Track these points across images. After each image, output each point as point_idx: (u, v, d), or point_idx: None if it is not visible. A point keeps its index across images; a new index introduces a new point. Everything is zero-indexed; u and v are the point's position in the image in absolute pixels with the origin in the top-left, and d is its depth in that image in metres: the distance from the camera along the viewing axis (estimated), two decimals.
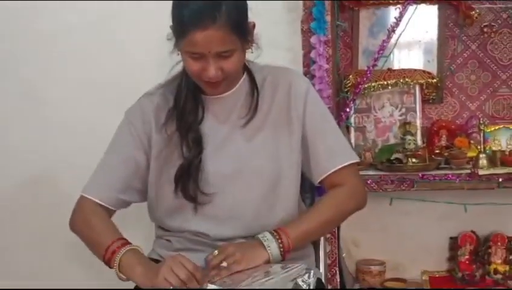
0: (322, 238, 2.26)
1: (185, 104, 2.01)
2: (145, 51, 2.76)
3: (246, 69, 2.02)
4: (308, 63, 2.54)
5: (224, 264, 1.82)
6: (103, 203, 2.03)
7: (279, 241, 1.91)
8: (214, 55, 1.84)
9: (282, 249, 1.91)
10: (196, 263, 1.87)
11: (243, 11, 1.89)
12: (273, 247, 1.90)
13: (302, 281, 1.82)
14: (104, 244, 1.93)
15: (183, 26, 1.83)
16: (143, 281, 1.85)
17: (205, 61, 1.85)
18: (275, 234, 1.92)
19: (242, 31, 1.87)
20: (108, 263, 1.93)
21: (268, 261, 1.88)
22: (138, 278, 1.88)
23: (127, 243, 1.93)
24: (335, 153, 2.04)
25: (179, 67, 2.02)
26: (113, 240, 1.92)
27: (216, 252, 1.86)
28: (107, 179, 2.04)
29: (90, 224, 2.01)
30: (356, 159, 2.07)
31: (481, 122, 2.65)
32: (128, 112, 2.07)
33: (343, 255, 2.77)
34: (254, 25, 1.92)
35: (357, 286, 2.82)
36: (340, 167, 2.01)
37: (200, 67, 1.87)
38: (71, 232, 2.17)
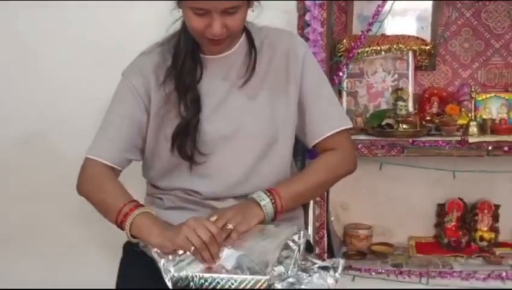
0: (311, 201, 2.31)
1: (183, 64, 2.01)
2: (144, 8, 2.73)
3: (245, 29, 2.03)
4: (302, 25, 2.55)
5: (230, 226, 1.84)
6: (111, 164, 2.03)
7: (273, 201, 1.95)
8: (220, 12, 1.85)
9: (275, 209, 1.94)
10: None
11: None
12: (268, 207, 1.93)
13: (293, 241, 1.86)
14: (116, 207, 1.93)
15: None
16: (161, 242, 1.85)
17: (210, 18, 1.86)
18: (268, 194, 1.95)
19: None
20: (120, 225, 1.93)
21: (262, 221, 1.92)
22: (156, 239, 1.87)
23: (140, 205, 1.94)
24: (330, 118, 2.07)
25: (176, 26, 2.03)
26: (125, 202, 1.92)
27: (214, 217, 1.87)
28: (112, 140, 2.04)
29: (101, 186, 2.01)
30: (350, 125, 2.10)
31: (473, 90, 2.67)
32: (126, 71, 2.09)
33: (332, 218, 2.80)
34: None
35: (344, 249, 2.85)
36: (334, 131, 2.05)
37: (204, 24, 1.88)
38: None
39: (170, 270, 1.81)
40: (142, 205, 1.93)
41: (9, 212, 2.96)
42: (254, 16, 1.98)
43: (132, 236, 1.91)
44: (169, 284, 1.79)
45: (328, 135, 2.04)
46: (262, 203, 1.93)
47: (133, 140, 2.04)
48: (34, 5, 2.86)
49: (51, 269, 2.98)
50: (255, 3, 1.96)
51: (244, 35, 2.04)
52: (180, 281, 1.80)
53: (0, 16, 2.88)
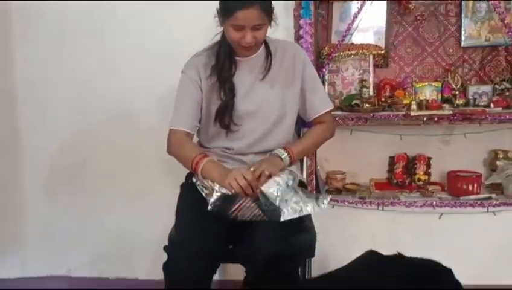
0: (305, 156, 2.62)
1: (223, 63, 2.25)
2: (193, 27, 2.93)
3: (264, 41, 2.25)
4: (298, 38, 2.85)
5: (267, 172, 2.14)
6: (188, 130, 2.29)
7: (289, 155, 2.27)
8: (251, 28, 2.10)
9: (290, 160, 2.28)
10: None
11: None
12: (286, 159, 2.26)
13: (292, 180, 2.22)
14: (190, 158, 2.19)
15: (229, 7, 2.08)
16: (219, 180, 2.10)
17: (244, 32, 2.11)
18: (285, 150, 2.28)
19: (269, 10, 2.14)
20: (195, 170, 2.19)
21: (283, 168, 2.24)
22: (217, 178, 2.12)
23: (206, 155, 2.19)
24: (323, 101, 2.37)
25: (217, 37, 2.30)
26: (196, 154, 2.19)
27: (252, 169, 2.14)
28: (186, 114, 2.28)
29: (182, 147, 2.25)
30: (332, 106, 2.41)
31: (413, 80, 3.06)
32: (185, 68, 2.31)
33: (318, 167, 3.12)
34: (273, 9, 2.17)
35: (326, 188, 3.13)
36: (324, 111, 2.38)
37: (240, 36, 2.12)
38: None
39: (209, 199, 2.12)
40: (208, 156, 2.20)
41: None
42: (274, 30, 2.25)
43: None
44: (209, 207, 2.10)
45: (322, 112, 2.37)
46: (282, 156, 2.24)
47: (197, 113, 2.29)
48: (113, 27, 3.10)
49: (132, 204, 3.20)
50: (273, 22, 2.21)
51: (263, 44, 2.28)
52: (216, 203, 2.09)
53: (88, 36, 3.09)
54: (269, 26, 2.18)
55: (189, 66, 2.28)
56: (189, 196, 2.25)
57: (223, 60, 2.22)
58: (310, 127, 2.42)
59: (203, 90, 2.27)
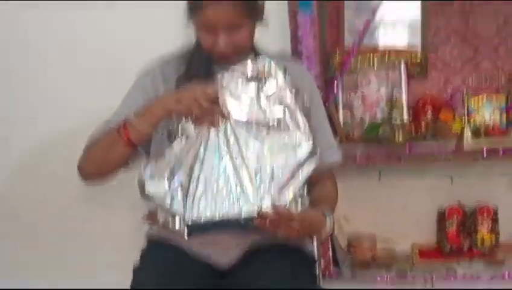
0: None
1: (196, 72, 2.10)
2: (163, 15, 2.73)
3: (256, 53, 2.10)
4: (295, 41, 2.61)
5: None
6: None
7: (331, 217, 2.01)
8: (225, 29, 1.95)
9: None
10: None
11: None
12: (329, 223, 2.00)
13: None
14: (113, 130, 1.97)
15: (195, 1, 1.95)
16: (165, 104, 1.91)
17: (217, 35, 1.96)
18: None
19: (251, 7, 1.98)
20: (127, 135, 1.95)
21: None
22: (159, 105, 1.93)
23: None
24: (330, 147, 2.18)
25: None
26: (118, 124, 1.96)
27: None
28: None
29: (96, 144, 2.05)
30: (341, 158, 2.22)
31: (465, 95, 2.73)
32: (138, 74, 2.17)
33: (335, 232, 2.79)
34: (263, 5, 2.02)
35: (348, 260, 2.85)
36: (333, 161, 2.17)
37: (212, 40, 1.98)
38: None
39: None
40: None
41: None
42: (263, 33, 2.08)
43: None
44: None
45: (326, 164, 2.13)
46: (328, 216, 1.99)
47: None
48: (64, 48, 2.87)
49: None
50: (260, 21, 2.04)
51: (253, 52, 2.09)
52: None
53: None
54: (257, 27, 2.05)
55: (144, 72, 2.17)
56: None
57: (196, 68, 2.11)
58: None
59: None
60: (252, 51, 2.09)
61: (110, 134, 1.99)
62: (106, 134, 2.01)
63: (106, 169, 2.07)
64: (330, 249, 2.72)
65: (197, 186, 1.88)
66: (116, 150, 1.99)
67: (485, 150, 2.60)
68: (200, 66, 2.12)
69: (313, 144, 1.91)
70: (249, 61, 1.93)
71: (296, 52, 2.58)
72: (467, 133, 2.62)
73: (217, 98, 1.91)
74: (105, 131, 2.02)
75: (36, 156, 3.00)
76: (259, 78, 1.94)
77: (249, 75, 1.93)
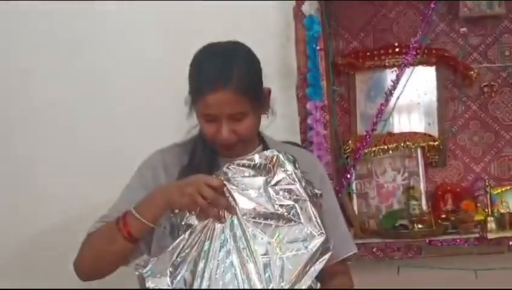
0: None
1: (199, 164, 2.04)
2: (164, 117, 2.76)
3: (263, 141, 2.08)
4: (305, 129, 2.59)
5: None
6: None
7: None
8: (227, 118, 1.91)
9: None
10: None
11: (256, 75, 1.96)
12: None
13: None
14: (114, 223, 1.90)
15: (197, 89, 1.91)
16: (168, 199, 1.84)
17: (219, 124, 1.91)
18: None
19: (254, 95, 1.93)
20: (127, 229, 1.88)
21: None
22: (162, 200, 1.85)
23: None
24: (345, 241, 2.11)
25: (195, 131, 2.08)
26: (118, 218, 1.90)
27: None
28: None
29: (93, 240, 1.97)
30: (357, 249, 2.17)
31: (487, 184, 2.67)
32: (140, 165, 2.12)
33: None
34: (270, 91, 1.99)
35: None
36: (349, 254, 2.10)
37: (214, 130, 1.93)
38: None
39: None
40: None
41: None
42: (271, 120, 2.04)
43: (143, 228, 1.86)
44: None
45: (341, 258, 2.08)
46: None
47: None
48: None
49: None
50: (269, 110, 2.01)
51: (261, 146, 2.07)
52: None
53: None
54: (265, 115, 2.02)
55: (146, 163, 2.12)
56: None
57: (199, 159, 2.04)
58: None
59: None
60: (257, 139, 2.06)
61: (108, 228, 1.92)
62: (104, 228, 1.94)
63: (103, 266, 1.98)
64: None
65: (201, 282, 1.81)
66: (115, 245, 1.91)
67: (510, 241, 2.52)
68: (204, 156, 2.06)
69: (326, 236, 1.84)
70: (257, 156, 1.88)
71: (306, 140, 2.57)
72: (491, 224, 2.56)
73: (223, 190, 1.85)
74: (103, 226, 1.97)
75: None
76: (267, 170, 1.88)
77: (257, 167, 1.89)
